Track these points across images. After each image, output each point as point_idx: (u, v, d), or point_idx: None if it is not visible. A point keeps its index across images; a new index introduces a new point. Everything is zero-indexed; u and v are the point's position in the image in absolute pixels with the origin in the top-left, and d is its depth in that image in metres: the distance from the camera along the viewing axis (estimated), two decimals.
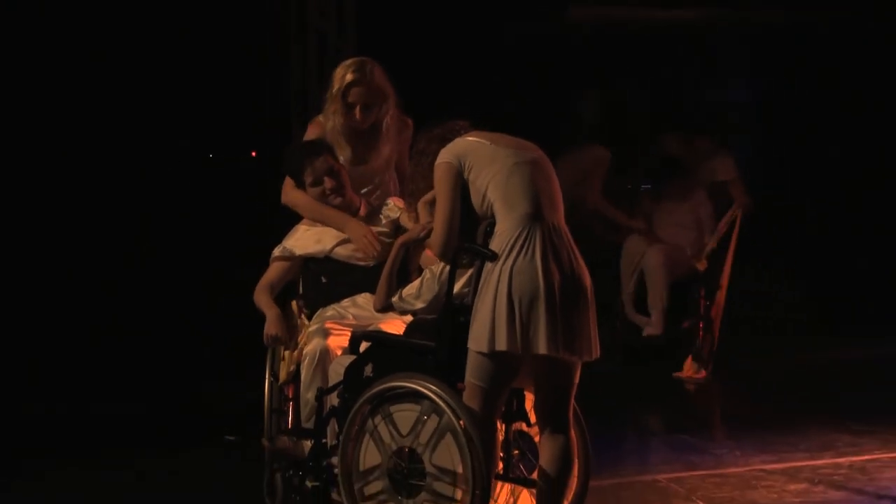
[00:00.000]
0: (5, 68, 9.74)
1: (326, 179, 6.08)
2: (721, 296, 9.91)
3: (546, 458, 5.12)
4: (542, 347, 4.96)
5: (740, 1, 11.76)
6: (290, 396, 5.99)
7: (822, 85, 12.18)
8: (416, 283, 5.38)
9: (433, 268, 5.34)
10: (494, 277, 4.99)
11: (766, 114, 12.69)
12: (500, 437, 5.30)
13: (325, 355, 5.73)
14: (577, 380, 5.16)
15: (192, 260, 10.05)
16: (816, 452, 7.36)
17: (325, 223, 6.27)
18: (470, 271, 5.24)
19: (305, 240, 6.14)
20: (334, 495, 5.49)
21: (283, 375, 5.96)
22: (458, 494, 5.03)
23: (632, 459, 7.45)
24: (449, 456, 5.06)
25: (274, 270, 6.16)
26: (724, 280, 9.92)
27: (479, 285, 5.07)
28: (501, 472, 5.32)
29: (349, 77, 6.32)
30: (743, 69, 12.94)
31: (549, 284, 4.99)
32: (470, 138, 5.23)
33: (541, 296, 4.98)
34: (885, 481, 6.70)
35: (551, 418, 5.16)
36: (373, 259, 6.06)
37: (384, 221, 6.18)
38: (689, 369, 9.74)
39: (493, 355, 5.00)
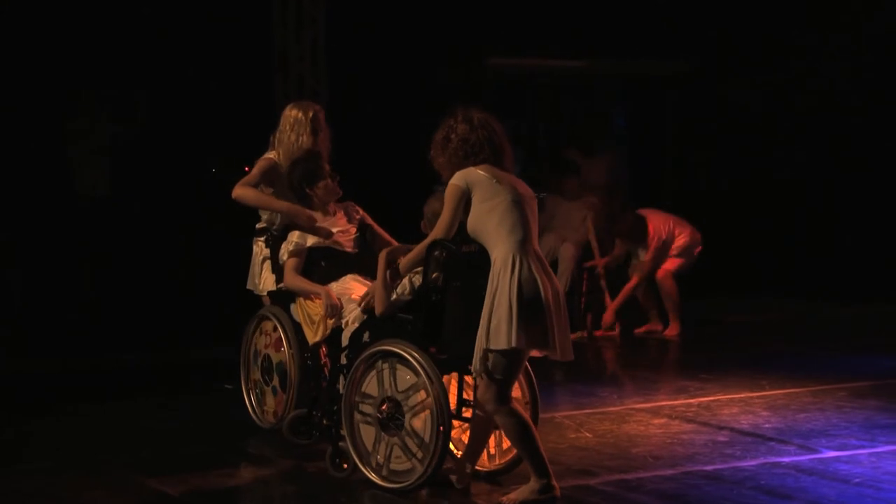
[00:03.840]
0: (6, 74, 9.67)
1: (329, 175, 6.38)
2: (602, 280, 10.16)
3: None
4: (550, 343, 5.10)
5: (617, 53, 12.13)
6: (326, 353, 6.12)
7: (676, 114, 12.69)
8: (405, 282, 5.46)
9: (414, 279, 5.43)
10: (505, 286, 5.06)
11: (635, 135, 13.00)
12: (455, 386, 5.54)
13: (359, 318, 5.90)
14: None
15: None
16: (673, 395, 7.62)
17: (271, 209, 6.52)
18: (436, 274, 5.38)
19: (311, 235, 6.30)
20: (342, 431, 5.64)
21: (317, 337, 6.09)
22: (419, 454, 5.30)
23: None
24: (423, 426, 5.29)
25: (293, 262, 6.27)
26: (601, 268, 10.18)
27: (492, 292, 5.09)
28: (471, 416, 5.49)
29: (314, 109, 6.65)
30: (618, 102, 13.22)
31: (545, 294, 5.10)
32: (480, 171, 5.27)
33: (542, 302, 5.08)
34: (724, 416, 6.97)
35: None
36: (354, 249, 6.31)
37: (354, 219, 6.47)
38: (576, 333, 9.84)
39: (511, 351, 5.05)
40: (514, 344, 5.02)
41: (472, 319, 5.18)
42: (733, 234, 12.37)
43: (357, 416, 5.55)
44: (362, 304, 5.72)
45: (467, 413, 5.53)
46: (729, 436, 6.50)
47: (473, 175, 5.26)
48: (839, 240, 12.38)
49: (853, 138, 12.37)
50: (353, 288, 6.14)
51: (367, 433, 5.52)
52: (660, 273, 10.10)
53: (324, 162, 6.43)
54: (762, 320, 10.94)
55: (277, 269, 6.48)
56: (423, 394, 5.32)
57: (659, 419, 6.91)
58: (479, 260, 5.24)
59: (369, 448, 5.52)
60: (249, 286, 6.84)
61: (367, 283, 6.27)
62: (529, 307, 5.05)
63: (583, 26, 11.82)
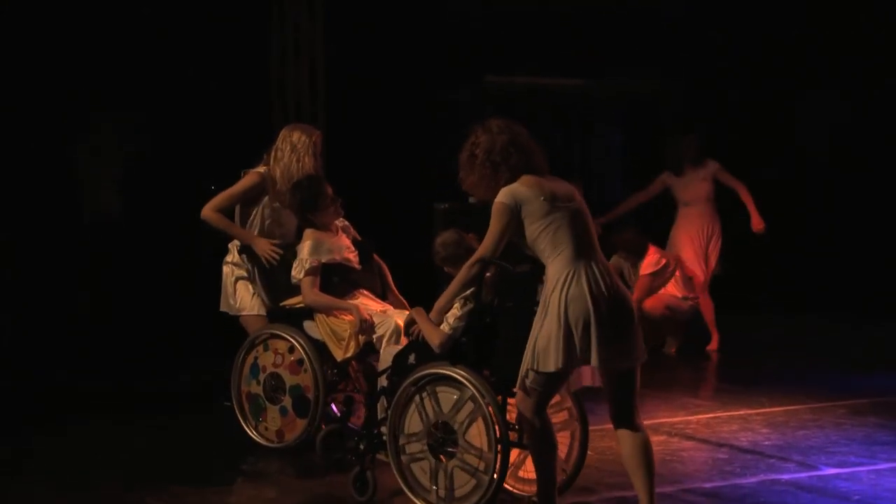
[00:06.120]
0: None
1: (331, 200, 6.43)
2: None
3: (631, 447, 5.12)
4: (594, 360, 4.95)
5: (609, 73, 12.23)
6: (357, 368, 6.15)
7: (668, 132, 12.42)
8: (454, 310, 5.32)
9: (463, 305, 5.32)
10: (554, 306, 4.95)
11: (628, 155, 12.99)
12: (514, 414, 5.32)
13: (397, 330, 6.00)
14: (637, 383, 5.14)
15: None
16: (673, 412, 7.60)
17: (235, 237, 6.62)
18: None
19: (324, 252, 6.32)
20: (381, 456, 5.56)
21: (348, 353, 6.10)
22: (482, 466, 5.18)
23: None
24: (478, 435, 5.19)
25: (311, 280, 6.26)
26: None
27: (542, 311, 5.00)
28: (516, 440, 5.33)
29: (316, 133, 6.74)
30: (613, 122, 13.25)
31: (597, 308, 4.94)
32: (526, 189, 5.08)
33: (591, 318, 4.93)
34: (724, 433, 6.99)
35: (621, 415, 5.16)
36: (359, 266, 6.41)
37: (350, 236, 6.56)
38: None
39: (556, 373, 4.97)
40: (560, 366, 4.94)
41: (523, 341, 5.07)
42: (737, 250, 12.24)
43: (404, 458, 5.41)
44: (412, 336, 5.52)
45: (513, 436, 5.35)
46: (728, 453, 6.50)
47: (520, 193, 5.08)
48: (839, 240, 12.29)
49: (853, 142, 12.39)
50: (369, 305, 6.23)
51: (422, 470, 5.36)
52: (648, 302, 9.83)
53: (326, 187, 6.46)
54: (760, 337, 10.89)
55: (277, 288, 6.49)
56: (470, 404, 5.20)
57: (658, 436, 6.87)
58: (532, 281, 5.16)
59: (427, 486, 5.37)
60: (223, 308, 6.86)
61: (377, 299, 6.39)
62: (577, 325, 4.95)
63: (581, 45, 11.84)
